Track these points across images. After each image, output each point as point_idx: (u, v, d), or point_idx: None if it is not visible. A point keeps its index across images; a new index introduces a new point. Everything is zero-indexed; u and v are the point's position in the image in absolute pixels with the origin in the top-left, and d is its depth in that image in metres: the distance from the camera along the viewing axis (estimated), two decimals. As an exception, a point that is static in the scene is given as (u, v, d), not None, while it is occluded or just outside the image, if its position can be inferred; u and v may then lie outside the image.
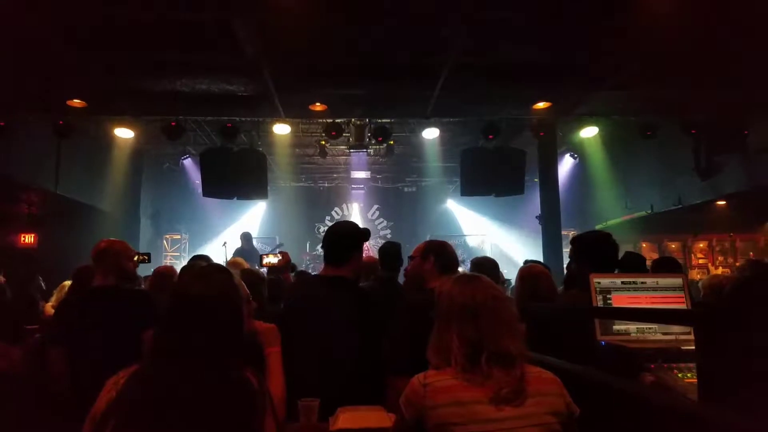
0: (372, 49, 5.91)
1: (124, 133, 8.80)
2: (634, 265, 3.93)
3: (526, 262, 4.78)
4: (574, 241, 2.95)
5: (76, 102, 7.41)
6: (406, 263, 3.36)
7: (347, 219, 14.20)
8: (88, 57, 6.02)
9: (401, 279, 4.50)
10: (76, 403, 1.69)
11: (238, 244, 10.12)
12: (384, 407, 2.13)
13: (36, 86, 6.81)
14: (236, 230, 12.93)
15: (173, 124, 8.15)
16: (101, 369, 1.60)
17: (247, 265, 4.52)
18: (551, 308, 2.68)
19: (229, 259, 6.48)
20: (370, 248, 13.24)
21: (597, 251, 2.76)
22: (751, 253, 9.59)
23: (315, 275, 2.97)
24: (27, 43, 5.59)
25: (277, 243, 11.45)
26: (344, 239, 2.70)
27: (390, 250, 4.33)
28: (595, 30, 5.46)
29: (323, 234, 2.84)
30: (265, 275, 4.52)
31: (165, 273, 4.23)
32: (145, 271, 7.46)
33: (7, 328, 2.72)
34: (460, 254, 12.49)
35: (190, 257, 4.72)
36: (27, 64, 6.09)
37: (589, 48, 5.86)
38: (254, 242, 10.98)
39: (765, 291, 1.56)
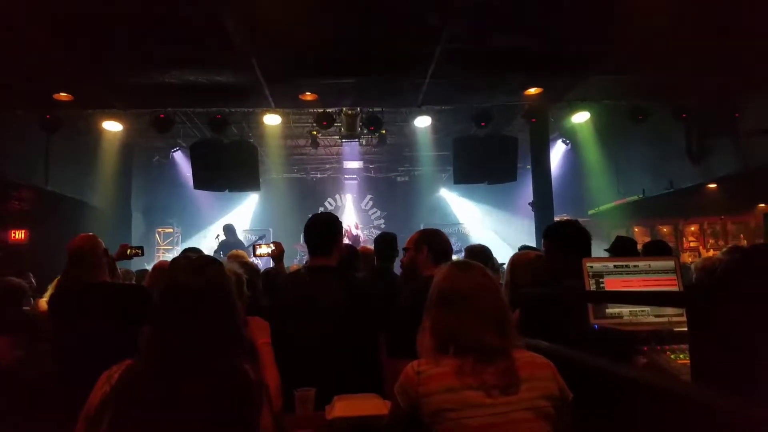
0: (361, 37, 5.87)
1: (112, 127, 8.72)
2: (626, 249, 3.96)
3: (521, 248, 4.78)
4: (556, 233, 2.91)
5: (63, 95, 7.33)
6: (401, 254, 3.37)
7: (341, 210, 14.23)
8: (73, 49, 5.94)
9: (397, 269, 4.50)
10: (69, 397, 1.68)
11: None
12: (384, 391, 2.14)
13: (21, 80, 6.72)
14: (225, 222, 12.94)
15: (162, 116, 8.08)
16: (95, 363, 1.60)
17: (248, 258, 4.49)
18: (544, 294, 2.68)
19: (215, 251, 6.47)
20: (367, 238, 13.29)
21: (584, 240, 2.76)
22: (742, 236, 9.67)
23: (305, 267, 2.97)
24: (10, 35, 5.51)
25: (260, 236, 11.49)
26: (328, 229, 2.71)
27: (385, 241, 4.34)
28: (585, 15, 5.44)
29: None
30: (260, 266, 4.50)
31: (164, 268, 4.20)
32: (137, 264, 7.46)
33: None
34: (453, 243, 12.59)
35: (183, 250, 4.68)
36: (11, 57, 6.00)
37: (579, 33, 5.85)
38: (240, 234, 11.02)
39: (756, 272, 1.57)
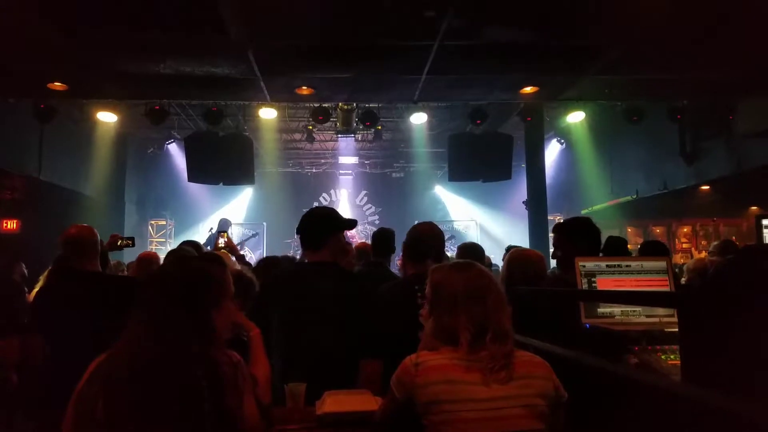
0: (358, 31, 5.84)
1: (107, 117, 8.67)
2: (616, 248, 3.98)
3: (508, 248, 4.81)
4: (563, 228, 2.94)
5: (57, 85, 7.26)
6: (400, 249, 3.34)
7: (335, 205, 14.20)
8: (68, 38, 5.89)
9: (394, 267, 4.53)
10: (60, 388, 1.68)
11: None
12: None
13: (15, 69, 6.65)
14: (222, 216, 12.94)
15: (157, 108, 8.04)
16: (84, 354, 1.60)
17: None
18: (538, 292, 2.69)
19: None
20: (357, 234, 13.29)
21: (589, 235, 2.77)
22: (734, 238, 9.73)
23: (295, 262, 2.96)
24: (4, 22, 5.45)
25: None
26: (317, 223, 2.68)
27: (382, 236, 4.32)
28: (582, 13, 5.43)
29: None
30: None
31: (149, 259, 4.21)
32: (130, 256, 7.42)
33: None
34: (446, 240, 12.63)
35: (180, 243, 4.69)
36: (4, 45, 5.94)
37: (576, 31, 5.84)
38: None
39: (748, 273, 1.58)
